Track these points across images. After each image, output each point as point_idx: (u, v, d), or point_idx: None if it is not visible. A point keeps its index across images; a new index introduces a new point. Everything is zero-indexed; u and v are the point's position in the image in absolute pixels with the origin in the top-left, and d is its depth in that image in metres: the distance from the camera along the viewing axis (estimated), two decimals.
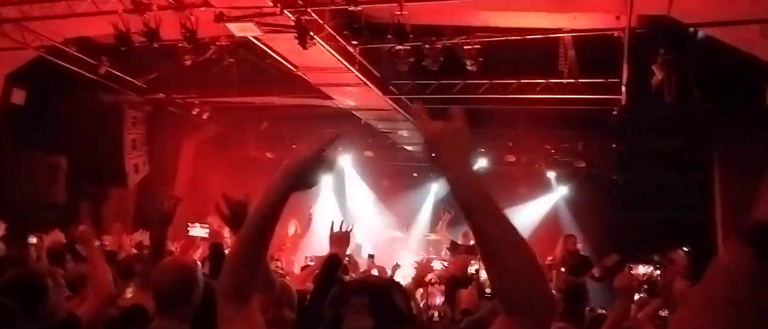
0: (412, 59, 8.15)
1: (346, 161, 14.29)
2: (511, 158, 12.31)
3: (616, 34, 7.27)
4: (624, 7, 6.61)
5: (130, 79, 11.09)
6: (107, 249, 6.86)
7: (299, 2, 7.09)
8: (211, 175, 13.85)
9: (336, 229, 3.47)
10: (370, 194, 14.79)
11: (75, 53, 9.55)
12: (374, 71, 9.38)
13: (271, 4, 7.06)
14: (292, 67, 9.07)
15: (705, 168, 10.25)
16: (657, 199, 11.35)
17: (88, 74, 10.15)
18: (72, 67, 9.83)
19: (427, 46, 8.09)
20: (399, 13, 7.07)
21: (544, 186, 13.11)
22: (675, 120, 9.43)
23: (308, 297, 3.52)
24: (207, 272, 3.35)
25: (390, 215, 14.29)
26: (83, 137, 11.03)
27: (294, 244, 11.81)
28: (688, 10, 6.61)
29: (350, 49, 8.39)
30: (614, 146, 11.03)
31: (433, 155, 1.45)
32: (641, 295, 4.27)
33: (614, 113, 9.46)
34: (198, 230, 7.88)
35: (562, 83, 9.16)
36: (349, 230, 3.50)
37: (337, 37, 7.97)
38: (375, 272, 6.31)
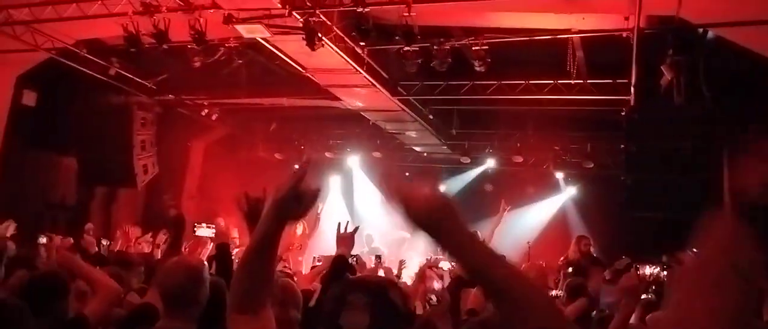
0: (420, 60, 8.16)
1: (354, 162, 14.30)
2: (519, 159, 12.28)
3: (624, 34, 7.25)
4: (633, 8, 6.59)
5: (140, 80, 11.16)
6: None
7: (307, 4, 7.11)
8: (220, 176, 13.89)
9: (342, 230, 3.48)
10: (378, 194, 14.78)
11: (85, 55, 9.63)
12: (382, 73, 9.39)
13: (279, 5, 7.09)
14: (300, 69, 9.10)
15: (714, 169, 10.17)
16: (665, 200, 11.26)
17: (98, 76, 10.23)
18: (82, 69, 9.91)
19: (435, 47, 8.09)
20: (407, 14, 7.08)
21: (553, 187, 13.07)
22: (684, 121, 9.38)
23: (314, 296, 3.54)
24: (214, 271, 3.38)
25: (398, 216, 14.28)
26: (93, 138, 11.12)
27: (302, 244, 11.83)
28: (697, 10, 6.59)
29: (358, 50, 8.40)
30: (623, 146, 10.97)
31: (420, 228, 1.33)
32: (648, 296, 4.26)
33: (623, 113, 9.43)
34: (205, 231, 7.91)
35: (570, 83, 9.14)
36: (354, 230, 3.51)
37: (346, 38, 7.99)
38: (381, 273, 6.31)
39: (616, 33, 7.40)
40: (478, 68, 8.24)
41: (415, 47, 7.90)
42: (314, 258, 9.78)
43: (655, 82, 7.60)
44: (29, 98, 10.30)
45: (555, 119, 11.05)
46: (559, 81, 9.22)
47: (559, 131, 11.80)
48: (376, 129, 12.62)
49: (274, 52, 8.66)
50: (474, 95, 9.90)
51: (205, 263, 2.83)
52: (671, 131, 10.13)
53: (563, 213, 13.05)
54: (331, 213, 12.99)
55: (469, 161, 13.06)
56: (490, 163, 12.94)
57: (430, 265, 3.30)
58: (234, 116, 13.52)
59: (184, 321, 2.47)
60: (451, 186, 13.99)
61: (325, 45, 7.56)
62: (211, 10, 7.54)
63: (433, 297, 3.15)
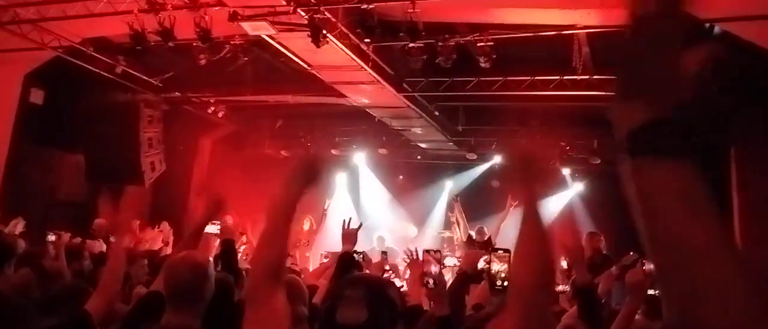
0: (425, 57, 8.15)
1: (360, 158, 14.31)
2: (531, 150, 12.24)
3: None
4: None
5: (146, 78, 11.21)
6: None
7: (312, 1, 7.12)
8: (227, 173, 13.94)
9: (346, 226, 3.48)
10: (384, 191, 14.80)
11: (92, 53, 9.67)
12: (387, 69, 9.39)
13: (284, 2, 7.09)
14: (305, 66, 9.11)
15: (721, 165, 10.14)
16: None
17: (105, 74, 10.28)
18: (89, 67, 9.96)
19: (440, 43, 8.09)
20: (411, 10, 7.08)
21: (559, 183, 13.04)
22: (691, 116, 9.34)
23: (318, 292, 3.56)
24: (218, 268, 3.40)
25: (404, 212, 14.29)
26: (100, 135, 11.18)
27: (309, 240, 11.86)
28: (704, 5, 6.55)
29: (363, 47, 8.40)
30: None
31: (507, 167, 1.68)
32: (655, 292, 4.23)
33: None
34: (212, 228, 7.92)
35: (576, 79, 9.10)
36: (357, 227, 3.52)
37: (350, 35, 7.99)
38: (387, 268, 6.32)
39: (622, 28, 7.36)
40: (483, 64, 8.23)
41: (420, 44, 7.89)
42: (321, 254, 9.80)
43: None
44: (37, 97, 10.37)
45: (561, 115, 11.01)
46: (564, 77, 9.19)
47: (566, 127, 11.76)
48: (381, 126, 12.62)
49: (280, 50, 8.67)
50: (480, 92, 9.87)
51: (210, 259, 2.84)
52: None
53: (570, 209, 13.02)
54: (338, 210, 13.03)
55: (475, 157, 13.05)
56: (497, 159, 12.92)
57: (427, 250, 3.30)
58: (240, 113, 13.56)
59: (189, 316, 2.48)
60: (457, 183, 14.01)
61: (330, 42, 7.56)
62: (217, 8, 7.56)
63: (431, 281, 3.14)
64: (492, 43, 8.02)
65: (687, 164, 0.84)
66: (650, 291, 3.58)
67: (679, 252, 0.80)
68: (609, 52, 8.46)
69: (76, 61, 9.76)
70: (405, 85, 10.10)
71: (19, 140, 10.07)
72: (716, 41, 6.67)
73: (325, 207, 12.91)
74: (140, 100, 12.22)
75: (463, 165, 13.78)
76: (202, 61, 8.93)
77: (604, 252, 9.18)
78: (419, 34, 7.48)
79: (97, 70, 10.12)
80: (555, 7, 7.35)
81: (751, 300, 0.77)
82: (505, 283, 2.97)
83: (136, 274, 4.77)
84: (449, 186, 14.18)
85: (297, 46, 8.27)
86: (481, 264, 3.54)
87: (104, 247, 7.55)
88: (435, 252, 3.20)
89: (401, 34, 7.56)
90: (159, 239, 7.74)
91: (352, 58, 8.35)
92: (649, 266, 3.95)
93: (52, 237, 5.90)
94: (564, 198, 13.14)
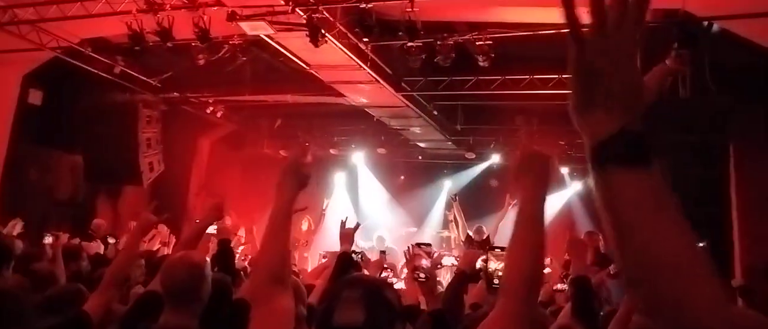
0: (423, 56, 8.15)
1: (358, 158, 14.31)
2: (542, 153, 12.23)
3: None
4: None
5: (145, 78, 11.20)
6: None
7: (310, 0, 7.12)
8: (226, 173, 13.97)
9: (344, 226, 3.48)
10: (382, 191, 14.80)
11: (90, 54, 9.67)
12: (386, 68, 9.39)
13: (282, 2, 7.09)
14: (304, 66, 9.10)
15: (720, 163, 10.15)
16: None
17: (103, 74, 10.28)
18: (88, 68, 9.96)
19: (438, 42, 8.08)
20: (410, 9, 7.07)
21: (558, 182, 13.04)
22: (690, 115, 9.35)
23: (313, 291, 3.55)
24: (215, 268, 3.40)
25: (403, 211, 14.30)
26: (99, 136, 11.18)
27: (307, 240, 11.87)
28: (702, 3, 6.56)
29: (362, 46, 8.40)
30: None
31: (518, 167, 1.69)
32: None
33: None
34: (210, 228, 7.91)
35: None
36: (355, 227, 3.52)
37: (349, 34, 7.98)
38: (385, 265, 6.30)
39: (581, 37, 7.34)
40: (482, 63, 8.22)
41: (418, 43, 7.89)
42: (320, 254, 9.81)
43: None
44: (35, 97, 10.36)
45: (560, 113, 10.96)
46: (563, 75, 9.18)
47: (565, 126, 11.70)
48: (380, 125, 12.62)
49: (278, 49, 8.67)
50: (478, 91, 9.86)
51: (208, 259, 2.84)
52: (677, 125, 10.10)
53: (568, 208, 13.02)
54: (336, 209, 13.03)
55: (474, 156, 13.05)
56: (495, 158, 12.92)
57: (418, 243, 3.30)
58: (239, 113, 13.56)
59: (187, 316, 2.48)
60: (456, 182, 14.01)
61: (329, 41, 7.56)
62: (215, 8, 7.56)
63: (422, 275, 3.14)
64: (490, 42, 8.02)
65: (653, 173, 0.86)
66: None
67: (645, 259, 0.83)
68: None
69: (74, 62, 9.75)
70: (403, 84, 10.10)
71: (18, 140, 10.06)
72: (679, 57, 6.71)
73: (324, 207, 12.92)
74: (139, 100, 12.22)
75: (462, 164, 13.78)
76: (201, 61, 8.93)
77: (603, 250, 9.18)
78: (418, 33, 7.47)
79: (96, 71, 10.11)
80: (553, 5, 7.31)
81: (715, 306, 0.79)
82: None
83: (134, 275, 4.76)
84: (448, 185, 14.19)
85: (295, 45, 8.27)
86: (479, 264, 3.54)
87: (102, 248, 7.55)
88: (426, 245, 3.20)
89: (400, 33, 7.56)
90: (157, 239, 7.73)
91: (351, 58, 8.35)
92: None
93: (49, 239, 5.89)
94: (563, 197, 13.15)
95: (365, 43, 8.27)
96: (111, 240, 7.82)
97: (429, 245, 3.33)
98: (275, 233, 1.91)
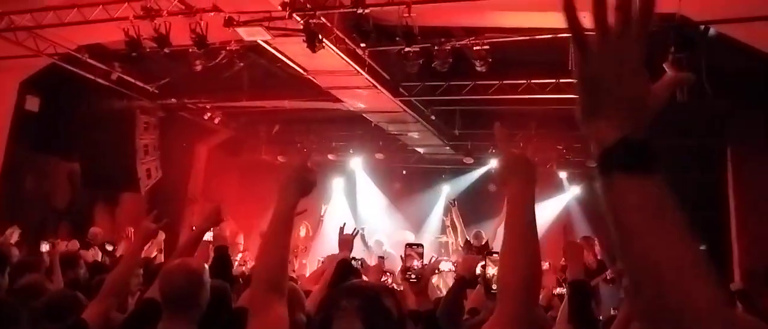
0: (421, 61, 8.15)
1: (356, 163, 14.30)
2: (525, 155, 12.23)
3: None
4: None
5: (142, 84, 11.18)
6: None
7: (307, 6, 7.12)
8: (224, 179, 13.94)
9: (343, 233, 3.47)
10: (380, 196, 14.78)
11: (87, 60, 9.65)
12: (384, 74, 9.38)
13: (279, 8, 7.09)
14: (301, 71, 9.10)
15: (718, 167, 10.16)
16: None
17: (100, 80, 10.27)
18: (85, 74, 9.95)
19: (435, 47, 8.09)
20: (407, 15, 7.08)
21: (556, 186, 13.05)
22: (687, 119, 9.35)
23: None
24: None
25: (401, 217, 14.28)
26: (96, 142, 11.15)
27: (306, 246, 11.85)
28: (699, 7, 6.57)
29: (359, 52, 8.40)
30: None
31: (502, 171, 1.72)
32: None
33: None
34: (207, 234, 7.88)
35: (572, 82, 9.06)
36: (354, 234, 3.50)
37: (346, 40, 7.99)
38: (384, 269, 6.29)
39: (585, 44, 7.35)
40: (479, 68, 8.23)
41: (415, 48, 7.89)
42: (319, 260, 9.79)
43: (656, 80, 7.56)
44: (32, 104, 10.34)
45: (558, 118, 11.01)
46: (561, 80, 9.19)
47: (563, 131, 11.76)
48: (378, 131, 12.61)
49: (275, 55, 8.66)
50: (476, 95, 9.87)
51: (206, 266, 2.83)
52: (674, 129, 10.11)
53: (567, 213, 13.02)
54: (334, 215, 13.01)
55: (472, 161, 13.04)
56: (494, 163, 12.90)
57: (410, 244, 3.28)
58: (236, 119, 13.54)
59: (185, 324, 2.47)
60: (454, 187, 14.00)
61: (326, 47, 7.56)
62: (212, 14, 7.56)
63: (413, 275, 3.13)
64: (488, 47, 8.02)
65: (656, 181, 0.87)
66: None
67: (647, 264, 0.83)
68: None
69: (71, 68, 9.74)
70: (401, 89, 10.10)
71: (15, 147, 10.04)
72: (676, 61, 6.74)
73: (322, 213, 12.89)
74: (136, 106, 12.21)
75: (460, 169, 13.77)
76: (198, 67, 8.92)
77: (598, 256, 9.18)
78: (415, 38, 7.48)
79: (93, 77, 10.10)
80: (550, 10, 7.35)
81: (716, 310, 0.80)
82: None
83: (132, 282, 4.74)
84: (446, 190, 14.17)
85: (293, 51, 8.27)
86: (477, 269, 3.53)
87: (99, 255, 7.52)
88: (417, 246, 3.18)
89: (397, 38, 7.56)
90: (154, 247, 7.70)
91: (348, 63, 8.35)
92: None
93: (45, 247, 5.86)
94: (561, 201, 13.15)
95: (362, 48, 8.27)
96: (108, 247, 7.80)
97: (420, 245, 3.31)
98: (274, 239, 1.89)
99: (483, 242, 9.74)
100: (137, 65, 9.71)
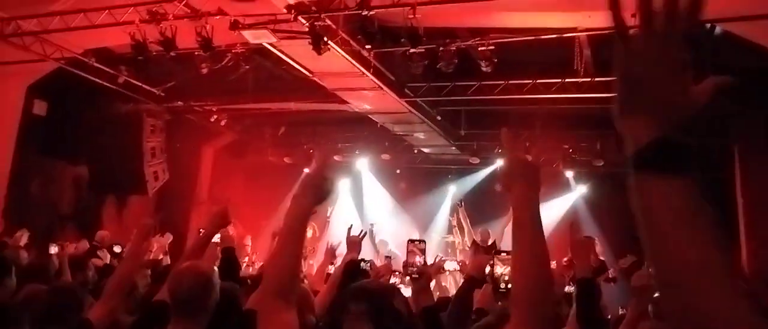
0: (426, 62, 8.15)
1: (362, 164, 14.31)
2: (529, 159, 12.23)
3: (631, 31, 7.19)
4: None
5: (149, 88, 11.23)
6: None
7: (313, 8, 7.14)
8: (230, 181, 13.97)
9: (352, 233, 3.48)
10: (387, 197, 14.78)
11: (94, 64, 9.71)
12: (389, 75, 9.40)
13: (284, 10, 7.11)
14: (307, 73, 9.12)
15: (725, 166, 10.11)
16: None
17: (107, 84, 10.32)
18: (91, 78, 10.00)
19: (441, 48, 8.09)
20: (412, 16, 7.09)
21: (563, 186, 13.02)
22: (693, 117, 9.32)
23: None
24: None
25: (407, 217, 14.27)
26: (103, 146, 11.21)
27: (313, 247, 11.86)
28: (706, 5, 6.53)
29: (364, 53, 8.42)
30: None
31: (506, 175, 1.70)
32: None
33: None
34: (217, 237, 7.91)
35: (578, 82, 9.09)
36: (362, 235, 3.51)
37: (351, 41, 8.00)
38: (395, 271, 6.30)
39: (626, 38, 7.33)
40: (484, 69, 8.23)
41: (421, 49, 7.89)
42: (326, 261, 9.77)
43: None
44: (40, 108, 10.41)
45: (564, 117, 11.01)
46: (566, 79, 9.18)
47: (568, 130, 11.75)
48: (384, 131, 12.62)
49: (281, 58, 8.68)
50: (481, 96, 9.87)
51: (216, 269, 2.84)
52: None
53: (574, 212, 12.99)
54: (341, 216, 13.02)
55: (478, 161, 13.03)
56: (500, 163, 12.87)
57: (412, 240, 3.27)
58: (242, 122, 13.58)
59: (194, 326, 2.48)
60: (461, 187, 13.98)
61: (331, 49, 7.58)
62: (218, 17, 7.58)
63: (415, 271, 3.12)
64: (493, 48, 8.02)
65: (690, 183, 0.86)
66: (656, 294, 3.56)
67: (677, 268, 0.82)
68: (610, 54, 8.47)
69: (78, 72, 9.79)
70: (407, 90, 10.11)
71: (23, 151, 10.10)
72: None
73: (328, 214, 12.90)
74: (143, 110, 12.26)
75: (466, 169, 13.75)
76: (204, 70, 8.95)
77: (601, 256, 9.16)
78: (420, 39, 7.48)
79: (100, 81, 10.15)
80: (556, 10, 7.35)
81: (740, 318, 0.79)
82: (510, 285, 2.97)
83: (140, 284, 4.76)
84: (452, 191, 14.16)
85: (298, 53, 8.29)
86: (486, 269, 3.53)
87: (108, 258, 7.55)
88: (419, 242, 3.18)
89: (402, 40, 7.57)
90: (159, 250, 7.72)
91: (354, 65, 8.36)
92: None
93: (54, 249, 5.89)
94: (567, 201, 13.12)
95: (368, 50, 8.28)
96: (117, 249, 7.83)
97: (422, 241, 3.30)
98: (286, 245, 1.88)
99: (490, 242, 9.73)
100: (143, 69, 9.76)
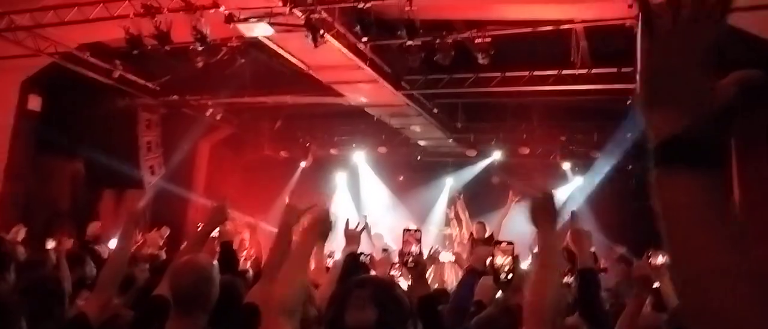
0: (423, 54, 8.14)
1: (359, 157, 14.29)
2: (526, 151, 12.26)
3: (628, 22, 7.20)
4: None
5: (144, 82, 11.19)
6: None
7: (308, 1, 7.11)
8: (227, 175, 13.92)
9: (351, 226, 3.47)
10: (384, 190, 14.77)
11: (88, 58, 9.66)
12: (385, 67, 9.37)
13: (280, 3, 7.09)
14: (303, 66, 9.09)
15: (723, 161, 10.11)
16: None
17: (102, 79, 10.26)
18: (86, 73, 9.94)
19: (437, 40, 8.07)
20: (408, 8, 7.07)
21: (560, 178, 13.03)
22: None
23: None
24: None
25: (405, 210, 14.26)
26: (99, 140, 11.15)
27: None
28: None
29: (361, 46, 8.39)
30: (629, 135, 10.93)
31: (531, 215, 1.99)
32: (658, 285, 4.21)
33: (629, 102, 9.38)
34: (215, 231, 7.88)
35: (575, 73, 9.09)
36: (361, 228, 3.51)
37: (348, 34, 7.97)
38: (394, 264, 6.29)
39: (619, 21, 7.36)
40: (481, 61, 8.22)
41: (417, 41, 7.87)
42: (324, 254, 9.76)
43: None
44: (34, 103, 10.34)
45: (561, 109, 11.02)
46: (563, 71, 9.18)
47: (565, 122, 11.76)
48: (380, 124, 12.61)
49: (277, 51, 8.65)
50: (478, 88, 9.86)
51: (215, 263, 2.82)
52: None
53: (572, 203, 12.99)
54: (339, 209, 13.00)
55: (475, 153, 13.02)
56: (497, 155, 12.89)
57: (407, 229, 3.25)
58: (238, 116, 13.54)
59: (195, 320, 2.47)
60: (458, 180, 13.98)
61: (328, 41, 7.55)
62: (213, 10, 7.54)
63: (411, 260, 3.12)
64: (490, 40, 8.01)
65: (715, 179, 0.83)
66: (656, 285, 3.57)
67: (698, 266, 0.80)
68: (607, 46, 8.47)
69: (72, 67, 9.74)
70: (403, 83, 10.09)
71: (18, 146, 10.05)
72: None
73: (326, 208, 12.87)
74: (138, 104, 12.21)
75: (464, 162, 13.75)
76: (200, 64, 8.91)
77: (592, 249, 9.16)
78: (417, 31, 7.47)
79: (95, 76, 10.10)
80: (552, 2, 7.34)
81: (763, 320, 0.76)
82: (510, 275, 2.98)
83: (139, 278, 4.74)
84: (449, 184, 14.15)
85: (294, 46, 8.26)
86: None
87: (107, 253, 7.52)
88: (415, 231, 3.16)
89: (399, 32, 7.55)
90: (147, 246, 7.67)
91: (350, 58, 8.34)
92: (655, 260, 3.93)
93: (51, 244, 5.85)
94: (565, 192, 13.12)
95: (364, 42, 8.26)
96: (116, 241, 7.79)
97: (418, 230, 3.29)
98: (295, 270, 2.04)
99: (487, 235, 9.73)
100: (138, 63, 9.73)
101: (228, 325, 2.58)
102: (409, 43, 7.85)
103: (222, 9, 7.43)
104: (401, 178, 14.84)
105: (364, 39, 8.04)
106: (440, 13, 7.93)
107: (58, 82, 10.11)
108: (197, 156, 14.01)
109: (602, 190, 12.06)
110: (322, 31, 7.26)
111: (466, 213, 10.73)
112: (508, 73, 9.51)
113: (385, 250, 9.40)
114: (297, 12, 7.13)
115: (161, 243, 8.07)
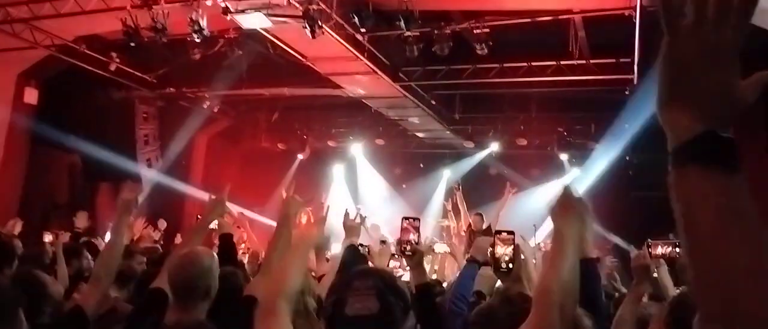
0: (421, 45, 8.12)
1: (357, 149, 14.28)
2: (523, 142, 12.26)
3: (626, 13, 7.18)
4: None
5: (141, 74, 11.15)
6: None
7: None
8: (224, 167, 13.92)
9: (350, 218, 3.46)
10: (381, 181, 14.77)
11: (85, 51, 9.61)
12: (383, 59, 9.34)
13: None
14: (301, 58, 9.06)
15: None
16: None
17: (98, 71, 10.22)
18: (83, 65, 9.90)
19: (435, 31, 8.05)
20: None
21: (557, 168, 13.04)
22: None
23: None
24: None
25: (402, 202, 14.27)
26: (96, 133, 11.13)
27: None
28: None
29: (359, 37, 8.36)
30: (627, 126, 10.93)
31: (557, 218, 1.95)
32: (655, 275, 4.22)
33: (627, 93, 9.38)
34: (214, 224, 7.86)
35: (573, 64, 9.08)
36: (360, 220, 3.50)
37: (345, 25, 7.94)
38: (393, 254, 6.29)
39: (617, 12, 7.33)
40: (479, 52, 8.20)
41: (415, 32, 7.86)
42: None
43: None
44: (31, 96, 10.30)
45: (558, 100, 11.01)
46: (561, 62, 9.17)
47: (563, 113, 11.76)
48: (378, 116, 12.59)
49: (275, 42, 8.62)
50: (476, 79, 9.85)
51: (215, 255, 2.81)
52: None
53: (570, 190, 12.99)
54: (336, 201, 12.99)
55: (473, 145, 13.03)
56: (494, 146, 12.89)
57: (406, 217, 3.25)
58: (236, 108, 13.52)
59: (194, 312, 2.47)
60: (455, 171, 13.98)
61: (325, 33, 7.51)
62: (210, 2, 7.50)
63: (409, 248, 3.12)
64: (488, 30, 7.99)
65: (736, 181, 0.82)
66: (655, 274, 3.56)
67: (719, 269, 0.79)
68: (605, 36, 8.45)
69: (69, 60, 9.69)
70: (401, 74, 10.06)
71: (15, 140, 10.01)
72: None
73: (323, 201, 12.86)
74: (135, 97, 12.17)
75: (461, 153, 13.75)
76: (197, 56, 8.89)
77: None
78: (415, 22, 7.44)
79: (91, 68, 10.05)
80: None
81: None
82: (511, 265, 2.98)
83: (136, 270, 4.73)
84: (447, 174, 14.15)
85: (291, 38, 8.23)
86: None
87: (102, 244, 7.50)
88: (414, 219, 3.15)
89: (397, 23, 7.52)
90: (143, 240, 7.66)
91: (348, 49, 8.30)
92: (655, 250, 3.93)
93: (48, 237, 5.84)
94: (562, 183, 13.12)
95: (362, 33, 8.22)
96: (110, 233, 7.78)
97: (417, 219, 3.27)
98: (295, 259, 2.09)
99: (485, 227, 9.73)
100: (135, 55, 9.68)
101: (228, 317, 2.57)
102: (407, 34, 7.83)
103: (219, 0, 7.39)
104: (398, 171, 14.86)
105: (362, 30, 8.01)
106: (438, 3, 7.90)
107: (55, 75, 10.08)
108: (194, 148, 14.00)
109: (600, 181, 12.07)
110: (319, 22, 7.22)
111: (464, 204, 10.73)
112: (506, 64, 9.51)
113: (383, 242, 9.39)
114: (295, 3, 7.09)
115: (157, 237, 8.06)
